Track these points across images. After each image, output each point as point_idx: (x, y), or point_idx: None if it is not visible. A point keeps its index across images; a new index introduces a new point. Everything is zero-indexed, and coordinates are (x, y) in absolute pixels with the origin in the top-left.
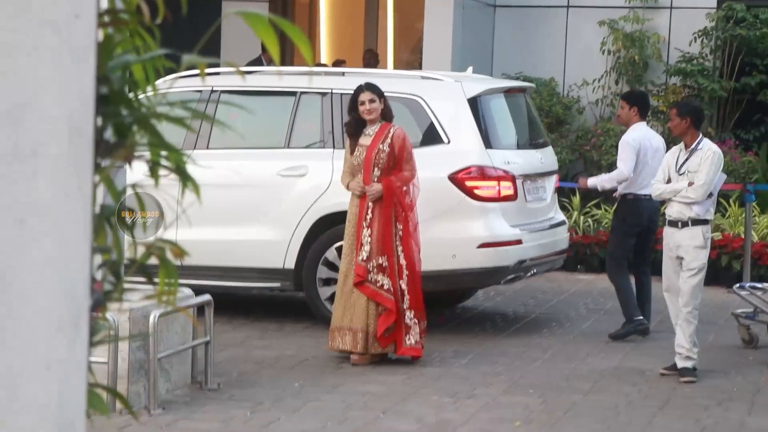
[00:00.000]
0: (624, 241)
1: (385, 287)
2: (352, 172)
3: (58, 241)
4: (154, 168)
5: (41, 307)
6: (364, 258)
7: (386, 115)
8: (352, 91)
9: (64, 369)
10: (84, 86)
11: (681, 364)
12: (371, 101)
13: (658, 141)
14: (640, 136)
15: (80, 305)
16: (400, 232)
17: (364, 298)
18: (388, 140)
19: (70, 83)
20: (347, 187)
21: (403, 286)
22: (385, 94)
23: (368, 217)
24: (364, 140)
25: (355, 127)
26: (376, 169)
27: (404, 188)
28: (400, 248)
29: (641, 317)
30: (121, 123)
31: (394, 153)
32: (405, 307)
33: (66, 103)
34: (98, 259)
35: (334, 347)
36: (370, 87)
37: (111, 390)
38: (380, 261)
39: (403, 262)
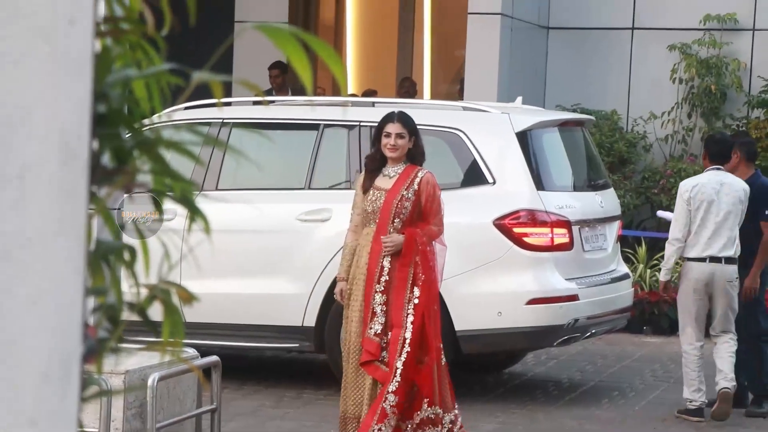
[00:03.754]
0: None
1: (385, 361)
2: (364, 221)
3: (47, 279)
4: (157, 199)
5: (26, 352)
6: (378, 332)
7: (414, 158)
8: None
9: (52, 425)
10: (79, 103)
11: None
12: (399, 136)
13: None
14: None
15: (71, 352)
16: (415, 300)
17: (369, 379)
18: (414, 186)
19: (64, 98)
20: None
21: (398, 365)
22: (422, 127)
23: (383, 279)
24: (383, 182)
25: (379, 163)
26: (396, 220)
27: (428, 246)
28: (410, 319)
29: None
30: (120, 147)
31: (420, 203)
32: (390, 389)
33: (59, 121)
34: (92, 301)
35: None
36: (403, 119)
37: None
38: (389, 335)
39: (407, 335)
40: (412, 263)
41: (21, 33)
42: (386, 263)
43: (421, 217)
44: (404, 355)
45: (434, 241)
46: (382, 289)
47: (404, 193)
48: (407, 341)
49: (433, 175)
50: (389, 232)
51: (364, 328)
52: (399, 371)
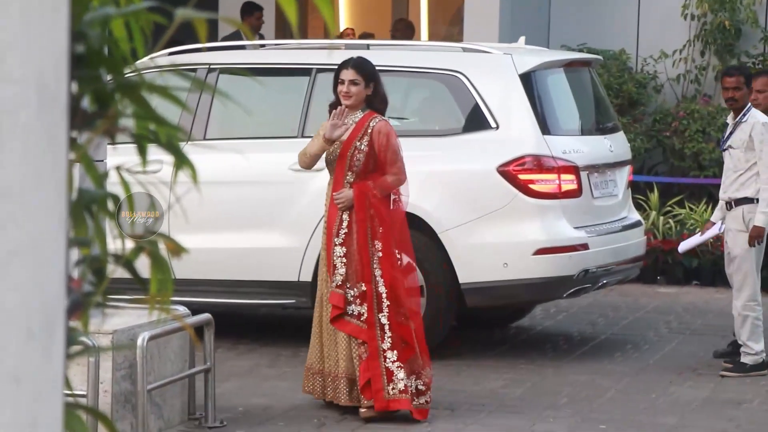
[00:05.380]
0: None
1: (363, 318)
2: (324, 161)
3: (28, 230)
4: (140, 145)
5: (7, 309)
6: (339, 283)
7: (373, 104)
8: (380, 68)
9: (37, 383)
10: (57, 43)
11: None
12: (352, 83)
13: None
14: None
15: (55, 307)
16: (378, 253)
17: (343, 335)
18: (367, 137)
19: (41, 38)
20: (307, 160)
21: (383, 321)
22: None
23: (341, 232)
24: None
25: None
26: (349, 173)
27: (391, 197)
28: (378, 272)
29: None
30: (101, 89)
31: (374, 153)
32: (385, 347)
33: (35, 63)
34: (76, 254)
35: (308, 390)
36: (358, 65)
37: (94, 411)
38: (362, 288)
39: (382, 290)
40: (367, 218)
41: None
42: (345, 216)
43: (378, 168)
44: (386, 309)
45: (398, 192)
46: (341, 241)
47: (357, 144)
48: (383, 295)
49: (388, 123)
50: (344, 186)
51: (330, 281)
52: (387, 327)
